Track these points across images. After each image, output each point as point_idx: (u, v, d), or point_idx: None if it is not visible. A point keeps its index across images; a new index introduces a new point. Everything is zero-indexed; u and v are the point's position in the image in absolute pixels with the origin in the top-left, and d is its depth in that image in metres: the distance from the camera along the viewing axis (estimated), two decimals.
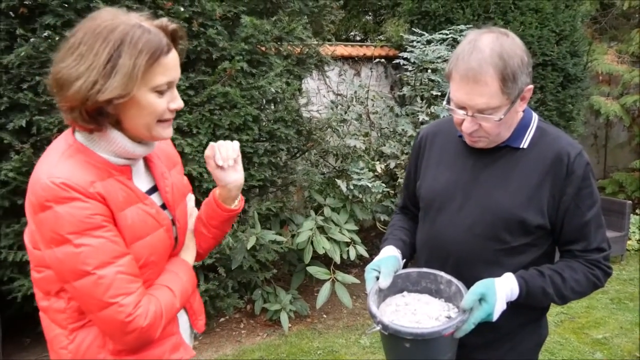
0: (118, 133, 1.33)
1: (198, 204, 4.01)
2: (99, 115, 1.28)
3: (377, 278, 1.62)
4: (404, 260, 1.79)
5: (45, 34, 3.22)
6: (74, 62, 1.23)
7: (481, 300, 1.49)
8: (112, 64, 1.22)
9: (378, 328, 1.47)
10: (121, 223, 1.31)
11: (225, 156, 1.56)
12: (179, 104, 1.38)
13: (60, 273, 1.29)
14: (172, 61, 1.32)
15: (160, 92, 1.32)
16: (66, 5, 3.24)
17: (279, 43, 4.20)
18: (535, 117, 1.69)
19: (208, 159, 1.56)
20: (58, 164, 1.27)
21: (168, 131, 1.40)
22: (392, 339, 1.46)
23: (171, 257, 1.55)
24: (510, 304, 1.56)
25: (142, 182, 1.47)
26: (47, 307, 1.39)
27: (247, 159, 3.98)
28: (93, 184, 1.27)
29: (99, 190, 1.27)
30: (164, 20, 1.34)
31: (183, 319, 1.59)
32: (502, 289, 1.52)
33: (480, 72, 1.47)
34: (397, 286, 1.66)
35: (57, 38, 3.21)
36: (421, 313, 1.56)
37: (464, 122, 1.56)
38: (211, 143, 1.57)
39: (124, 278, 1.28)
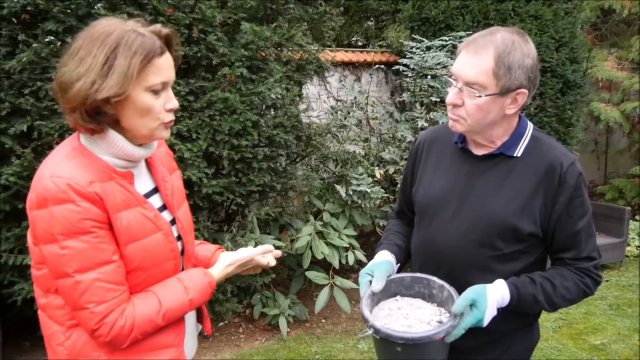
0: (118, 135, 1.40)
1: (196, 208, 4.00)
2: (98, 115, 1.35)
3: (371, 282, 1.64)
4: (399, 264, 1.82)
5: (47, 39, 3.25)
6: (75, 65, 1.32)
7: (472, 305, 1.51)
8: (108, 65, 1.31)
9: (370, 332, 1.49)
10: (116, 224, 1.36)
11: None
12: (174, 103, 1.45)
13: (48, 269, 1.36)
14: (165, 63, 1.40)
15: (155, 92, 1.39)
16: (68, 12, 3.27)
17: (278, 49, 4.23)
18: (530, 126, 1.72)
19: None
20: (61, 164, 1.34)
21: (167, 132, 1.48)
22: (384, 342, 1.48)
23: (186, 262, 1.62)
24: (502, 310, 1.58)
25: (144, 184, 1.53)
26: (46, 304, 1.44)
27: (247, 164, 4.00)
28: (92, 183, 1.33)
29: (96, 190, 1.33)
30: (158, 26, 1.42)
31: (190, 320, 1.64)
32: (493, 295, 1.54)
33: (483, 48, 1.54)
34: (391, 290, 1.68)
35: (58, 44, 3.24)
36: (413, 317, 1.58)
37: (450, 92, 1.62)
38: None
39: (101, 286, 1.32)
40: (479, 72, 1.54)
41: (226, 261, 1.66)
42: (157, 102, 1.40)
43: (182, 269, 1.60)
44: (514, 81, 1.55)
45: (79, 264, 1.30)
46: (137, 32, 1.35)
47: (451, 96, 1.61)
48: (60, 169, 1.32)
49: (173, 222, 1.58)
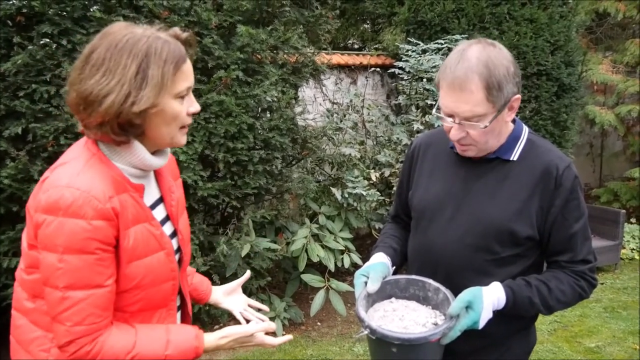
0: (140, 145, 1.37)
1: (192, 210, 3.98)
2: (130, 127, 1.31)
3: (366, 284, 1.64)
4: (394, 267, 1.82)
5: (42, 42, 3.25)
6: (103, 78, 1.26)
7: (468, 308, 1.51)
8: (142, 76, 1.27)
9: (366, 332, 1.49)
10: (123, 243, 1.33)
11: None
12: (196, 107, 1.42)
13: (40, 274, 1.32)
14: (189, 67, 1.38)
15: (182, 98, 1.36)
16: (63, 14, 3.26)
17: (274, 52, 4.23)
18: (526, 129, 1.72)
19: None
20: (81, 173, 1.29)
21: (185, 137, 1.45)
22: (380, 343, 1.48)
23: (182, 272, 1.58)
24: (498, 313, 1.58)
25: (151, 194, 1.50)
26: (32, 309, 1.41)
27: (242, 167, 4.00)
28: (111, 199, 1.29)
29: (114, 205, 1.29)
30: (177, 30, 1.39)
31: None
32: (489, 298, 1.54)
33: (466, 81, 1.50)
34: (386, 292, 1.68)
35: (54, 46, 3.24)
36: (408, 319, 1.58)
37: (452, 129, 1.59)
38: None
39: (85, 308, 1.28)
40: (474, 106, 1.52)
41: (222, 332, 1.52)
42: (182, 108, 1.37)
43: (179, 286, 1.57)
44: (507, 95, 1.54)
45: (72, 280, 1.27)
46: (162, 39, 1.31)
47: (454, 133, 1.58)
48: (80, 179, 1.27)
49: (174, 234, 1.55)
